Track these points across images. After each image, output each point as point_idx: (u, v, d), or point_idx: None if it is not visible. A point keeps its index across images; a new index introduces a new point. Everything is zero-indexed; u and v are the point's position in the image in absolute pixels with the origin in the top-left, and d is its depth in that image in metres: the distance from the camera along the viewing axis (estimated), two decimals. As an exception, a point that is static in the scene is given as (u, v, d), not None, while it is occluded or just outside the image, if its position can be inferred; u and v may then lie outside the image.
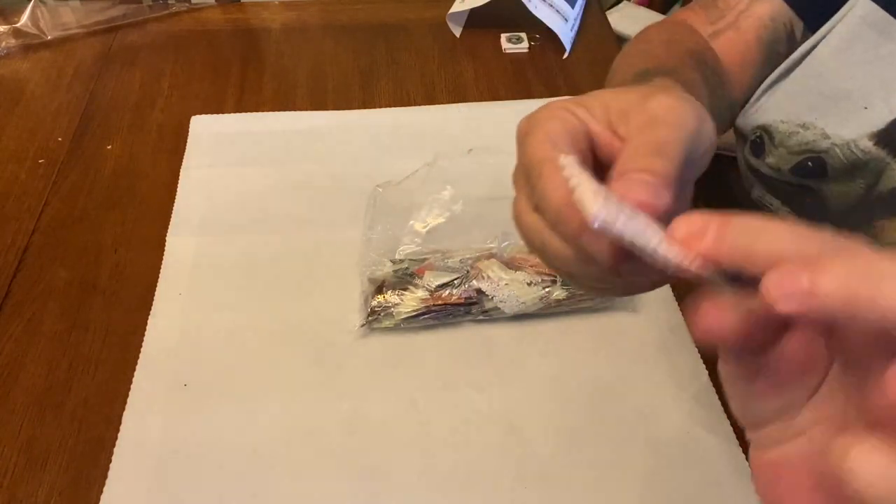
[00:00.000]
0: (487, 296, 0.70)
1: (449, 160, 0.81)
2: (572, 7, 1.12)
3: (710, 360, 0.69)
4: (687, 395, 0.67)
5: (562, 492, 0.61)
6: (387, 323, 0.70)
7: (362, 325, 0.70)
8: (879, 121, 0.48)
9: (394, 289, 0.71)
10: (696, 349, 0.70)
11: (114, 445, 0.62)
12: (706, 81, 0.48)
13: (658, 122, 0.30)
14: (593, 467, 0.62)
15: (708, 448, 0.63)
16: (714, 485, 0.61)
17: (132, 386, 0.66)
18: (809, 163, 0.49)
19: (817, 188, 0.50)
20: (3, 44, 1.06)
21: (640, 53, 0.55)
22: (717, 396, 0.67)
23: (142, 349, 0.69)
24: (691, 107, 0.31)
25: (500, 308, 0.70)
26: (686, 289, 0.76)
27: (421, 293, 0.70)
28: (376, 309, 0.70)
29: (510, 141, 0.94)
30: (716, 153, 0.34)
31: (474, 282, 0.70)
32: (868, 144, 0.47)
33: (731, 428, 0.64)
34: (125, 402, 0.65)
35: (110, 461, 0.61)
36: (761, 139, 0.52)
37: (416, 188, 0.80)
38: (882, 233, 0.47)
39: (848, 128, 0.48)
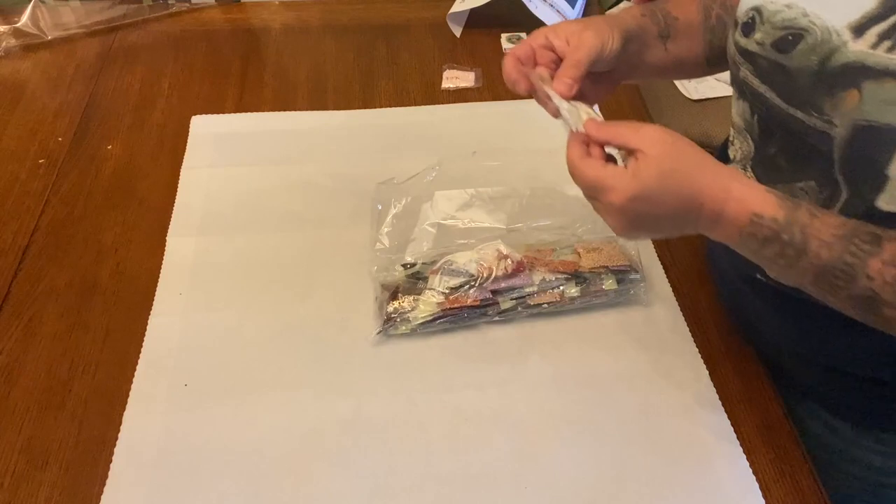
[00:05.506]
0: (504, 296, 0.70)
1: (452, 162, 0.81)
2: (572, 7, 1.12)
3: (710, 361, 0.70)
4: (688, 395, 0.67)
5: (562, 491, 0.61)
6: (403, 329, 0.70)
7: (379, 332, 0.70)
8: (854, 12, 0.52)
9: (408, 294, 0.70)
10: (697, 350, 0.70)
11: (114, 445, 0.62)
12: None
13: (576, 47, 0.59)
14: (594, 467, 0.62)
15: (708, 448, 0.63)
16: (714, 484, 0.61)
17: (132, 386, 0.66)
18: (790, 36, 0.56)
19: (786, 64, 0.57)
20: (3, 44, 1.06)
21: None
22: (717, 397, 0.67)
23: (142, 349, 0.69)
24: (594, 33, 0.59)
25: (518, 308, 0.70)
26: (686, 289, 0.76)
27: (436, 297, 0.70)
28: (392, 316, 0.70)
29: (511, 140, 0.97)
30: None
31: (486, 284, 0.70)
32: (842, 27, 0.52)
33: (731, 428, 0.65)
34: (125, 402, 0.65)
35: (110, 461, 0.61)
36: (753, 19, 0.59)
37: (421, 190, 0.80)
38: (842, 102, 0.53)
39: (827, 11, 0.54)
